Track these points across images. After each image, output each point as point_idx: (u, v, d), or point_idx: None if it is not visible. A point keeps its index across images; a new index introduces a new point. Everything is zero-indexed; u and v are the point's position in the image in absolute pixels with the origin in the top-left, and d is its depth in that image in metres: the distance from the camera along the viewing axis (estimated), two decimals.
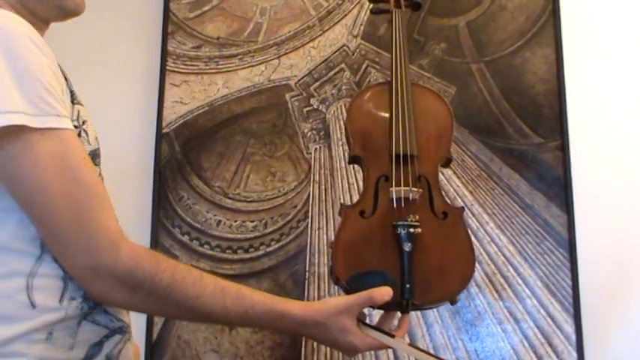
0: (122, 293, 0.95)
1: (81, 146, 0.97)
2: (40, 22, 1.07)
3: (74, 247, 0.93)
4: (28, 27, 0.94)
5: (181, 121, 1.96)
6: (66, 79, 1.05)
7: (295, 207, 1.89)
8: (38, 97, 0.91)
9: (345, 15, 1.99)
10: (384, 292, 1.07)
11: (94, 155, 1.05)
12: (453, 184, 1.85)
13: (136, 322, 1.12)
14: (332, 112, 1.93)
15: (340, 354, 1.73)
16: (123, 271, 0.94)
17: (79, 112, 1.04)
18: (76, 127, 1.01)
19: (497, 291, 1.78)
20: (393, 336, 1.07)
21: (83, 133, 1.03)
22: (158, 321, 1.84)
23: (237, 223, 1.90)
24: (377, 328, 1.08)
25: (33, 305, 0.92)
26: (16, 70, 0.90)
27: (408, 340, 1.11)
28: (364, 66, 1.94)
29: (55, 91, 0.94)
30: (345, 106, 1.90)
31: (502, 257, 1.80)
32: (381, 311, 1.15)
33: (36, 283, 0.93)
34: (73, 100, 1.04)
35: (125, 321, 1.04)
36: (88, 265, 0.93)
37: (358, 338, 1.05)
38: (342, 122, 1.90)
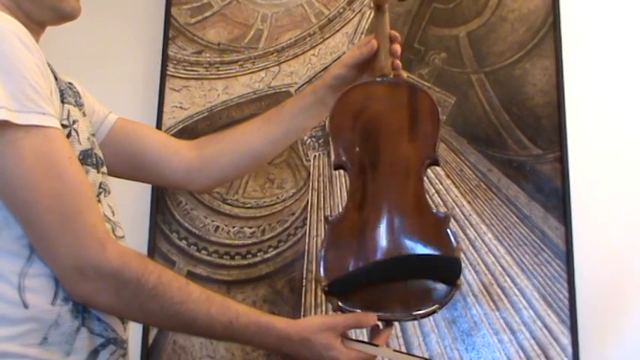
0: (107, 294, 0.93)
1: (67, 145, 0.96)
2: (36, 25, 1.06)
3: (60, 247, 0.91)
4: (15, 25, 0.93)
5: (181, 127, 1.96)
6: (56, 78, 1.04)
7: (293, 214, 1.89)
8: (22, 94, 0.90)
9: (346, 23, 2.00)
10: (370, 318, 1.09)
11: (86, 155, 1.04)
12: (451, 194, 1.85)
13: (132, 326, 1.12)
14: None
15: None
16: (110, 270, 0.92)
17: (69, 111, 1.03)
18: (65, 126, 1.00)
19: (493, 301, 1.78)
20: (376, 345, 1.08)
21: (73, 133, 1.02)
22: None
23: (235, 229, 1.90)
24: (359, 340, 1.09)
25: (25, 305, 0.91)
26: (1, 66, 0.89)
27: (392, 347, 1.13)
28: None
29: (42, 89, 0.92)
30: None
31: (499, 267, 1.80)
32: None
33: (27, 283, 0.92)
34: (63, 99, 1.03)
35: (120, 334, 1.03)
36: (74, 265, 0.91)
37: (343, 354, 1.04)
38: None
